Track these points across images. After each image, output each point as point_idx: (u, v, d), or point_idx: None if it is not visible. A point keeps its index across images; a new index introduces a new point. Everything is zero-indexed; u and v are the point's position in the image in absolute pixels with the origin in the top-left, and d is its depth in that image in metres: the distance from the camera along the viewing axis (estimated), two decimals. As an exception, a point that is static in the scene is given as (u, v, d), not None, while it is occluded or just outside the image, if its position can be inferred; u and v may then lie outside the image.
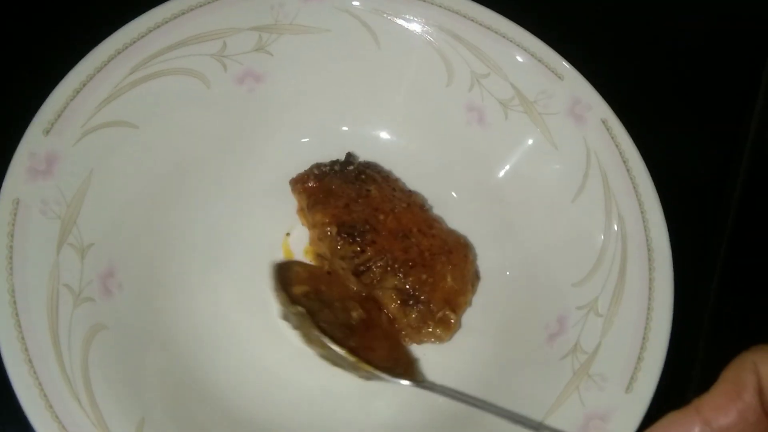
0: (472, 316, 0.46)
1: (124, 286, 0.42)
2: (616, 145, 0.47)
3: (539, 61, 0.48)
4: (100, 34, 0.44)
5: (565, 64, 0.48)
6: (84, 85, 0.43)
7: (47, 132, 0.41)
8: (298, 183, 0.47)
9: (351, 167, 0.47)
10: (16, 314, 0.37)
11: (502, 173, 0.49)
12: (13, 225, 0.39)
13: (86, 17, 0.51)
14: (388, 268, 0.43)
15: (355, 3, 0.48)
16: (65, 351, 0.37)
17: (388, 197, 0.46)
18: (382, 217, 0.45)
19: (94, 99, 0.43)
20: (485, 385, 0.44)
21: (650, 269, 0.43)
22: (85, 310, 0.39)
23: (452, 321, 0.43)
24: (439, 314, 0.43)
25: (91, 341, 0.39)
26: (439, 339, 0.44)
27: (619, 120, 0.47)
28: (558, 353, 0.43)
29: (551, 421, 0.40)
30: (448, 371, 0.45)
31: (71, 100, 0.42)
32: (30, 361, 0.36)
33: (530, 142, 0.48)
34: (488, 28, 0.48)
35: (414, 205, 0.46)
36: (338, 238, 0.44)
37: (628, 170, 0.46)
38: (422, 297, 0.43)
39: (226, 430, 0.41)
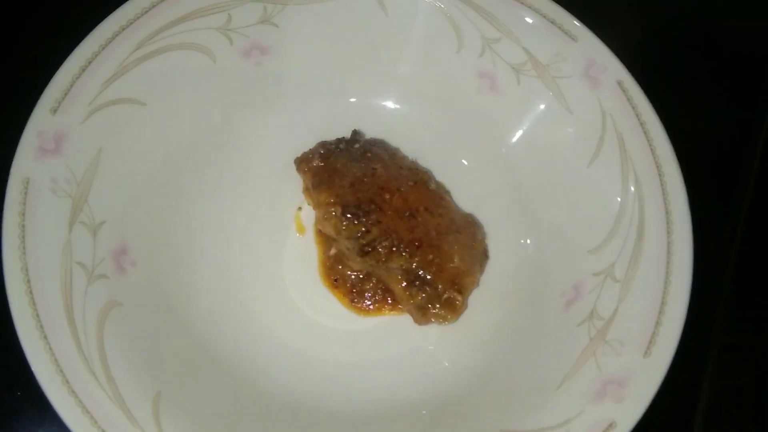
0: (487, 286, 0.46)
1: (137, 263, 0.42)
2: (633, 107, 0.45)
3: (552, 22, 0.47)
4: (104, 10, 0.44)
5: (578, 24, 0.47)
6: (89, 62, 0.43)
7: (54, 111, 0.41)
8: (303, 162, 0.46)
9: (357, 145, 0.46)
10: (30, 292, 0.37)
11: (514, 140, 0.48)
12: (24, 204, 0.39)
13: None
14: (394, 248, 0.43)
15: (360, -30, 0.47)
16: (80, 327, 0.38)
17: (395, 175, 0.45)
18: (387, 196, 0.44)
19: (100, 76, 0.43)
20: (503, 353, 0.43)
21: (669, 232, 0.42)
22: (99, 287, 0.40)
23: (458, 302, 0.43)
24: (446, 295, 0.43)
25: (106, 318, 0.39)
26: (445, 320, 0.43)
27: (635, 81, 0.46)
28: (574, 320, 0.42)
29: (568, 387, 0.39)
30: (465, 340, 0.45)
31: (77, 78, 0.42)
32: (45, 338, 0.37)
33: (543, 107, 0.47)
34: (498, -9, 0.47)
35: (421, 183, 0.45)
36: (342, 219, 0.43)
37: (645, 132, 0.45)
38: (428, 277, 0.43)
39: (240, 402, 0.41)
